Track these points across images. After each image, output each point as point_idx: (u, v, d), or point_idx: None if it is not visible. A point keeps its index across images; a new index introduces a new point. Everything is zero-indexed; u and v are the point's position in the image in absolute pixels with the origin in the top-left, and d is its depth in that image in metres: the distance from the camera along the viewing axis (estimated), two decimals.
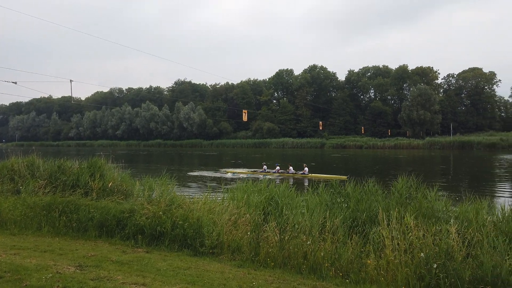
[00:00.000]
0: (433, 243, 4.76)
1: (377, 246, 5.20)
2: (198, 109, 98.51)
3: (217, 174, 23.33)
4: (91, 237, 6.60)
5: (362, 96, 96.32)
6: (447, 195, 6.73)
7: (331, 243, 5.40)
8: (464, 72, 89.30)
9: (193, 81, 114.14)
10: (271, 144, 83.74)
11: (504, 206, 6.00)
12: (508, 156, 44.64)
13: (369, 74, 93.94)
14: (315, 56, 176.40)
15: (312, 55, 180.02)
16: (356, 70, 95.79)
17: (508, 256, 4.36)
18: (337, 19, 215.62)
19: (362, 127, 75.79)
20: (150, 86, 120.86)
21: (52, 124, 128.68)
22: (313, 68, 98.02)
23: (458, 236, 4.89)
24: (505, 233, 4.96)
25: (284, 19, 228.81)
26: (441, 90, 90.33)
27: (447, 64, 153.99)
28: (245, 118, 25.64)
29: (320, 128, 65.22)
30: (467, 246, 4.70)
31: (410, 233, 5.14)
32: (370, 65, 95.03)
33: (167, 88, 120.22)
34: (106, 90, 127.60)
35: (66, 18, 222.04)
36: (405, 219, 5.45)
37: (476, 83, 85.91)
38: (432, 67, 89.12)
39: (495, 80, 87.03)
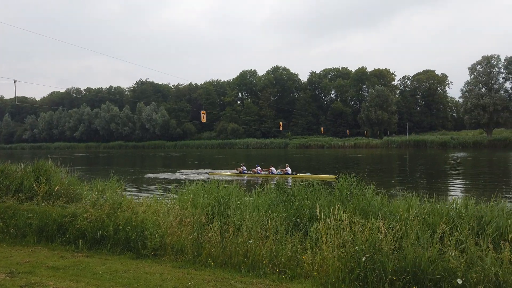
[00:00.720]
0: (366, 238, 5.03)
1: (314, 242, 5.41)
2: (160, 110, 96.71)
3: (176, 176, 23.04)
4: (29, 243, 6.36)
5: (323, 97, 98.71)
6: (389, 191, 7.11)
7: (272, 241, 5.56)
8: (418, 74, 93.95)
9: (155, 82, 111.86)
10: (235, 144, 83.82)
11: (435, 199, 6.43)
12: (458, 154, 47.50)
13: (330, 75, 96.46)
14: (280, 57, 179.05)
15: (276, 57, 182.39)
16: (318, 71, 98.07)
17: (430, 247, 4.69)
18: (301, 22, 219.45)
19: (322, 127, 77.66)
20: (110, 86, 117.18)
21: (4, 126, 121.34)
22: (276, 69, 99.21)
23: (387, 230, 5.20)
24: (430, 225, 5.33)
25: (249, 21, 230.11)
26: (398, 92, 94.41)
27: (405, 66, 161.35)
28: (203, 119, 25.55)
29: (280, 128, 66.23)
30: (396, 240, 5.01)
31: (344, 229, 5.40)
32: (331, 67, 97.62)
33: (128, 88, 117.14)
34: (63, 90, 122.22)
35: (18, 13, 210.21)
36: (340, 215, 5.72)
37: (430, 84, 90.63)
38: (389, 69, 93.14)
39: (447, 82, 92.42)
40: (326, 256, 4.95)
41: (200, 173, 25.31)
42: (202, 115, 25.42)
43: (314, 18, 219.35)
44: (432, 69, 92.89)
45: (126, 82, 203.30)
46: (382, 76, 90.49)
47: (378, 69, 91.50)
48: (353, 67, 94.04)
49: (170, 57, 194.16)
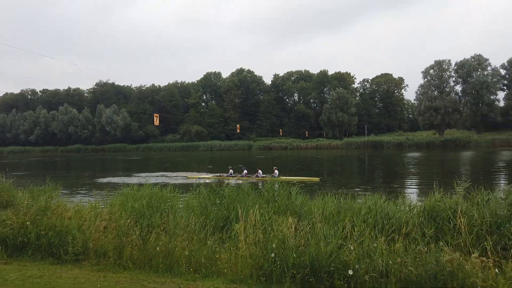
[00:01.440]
0: (275, 236, 5.35)
1: (233, 241, 5.68)
2: (122, 112, 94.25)
3: (128, 180, 22.60)
4: None
5: (287, 100, 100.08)
6: (337, 190, 7.50)
7: (196, 242, 5.77)
8: (377, 77, 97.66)
9: (116, 83, 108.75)
10: (199, 147, 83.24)
11: (349, 196, 6.89)
12: (411, 154, 49.95)
13: (293, 78, 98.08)
14: (248, 60, 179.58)
15: (245, 59, 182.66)
16: (281, 74, 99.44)
17: (332, 242, 5.07)
18: (268, 25, 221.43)
19: (280, 130, 79.13)
20: (69, 88, 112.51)
21: None
22: (240, 71, 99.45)
23: (300, 228, 5.56)
24: (336, 222, 5.75)
25: (218, 22, 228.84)
26: (358, 94, 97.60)
27: (368, 69, 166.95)
28: (156, 122, 25.21)
29: (238, 131, 67.02)
30: (306, 236, 5.36)
31: (262, 228, 5.72)
32: (294, 70, 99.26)
33: (87, 90, 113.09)
34: (17, 91, 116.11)
35: None
36: (263, 215, 6.04)
37: (387, 87, 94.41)
38: (350, 73, 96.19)
39: (404, 85, 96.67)
40: (239, 254, 5.23)
41: (156, 176, 25.06)
42: (155, 118, 25.06)
43: (283, 21, 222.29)
44: (390, 73, 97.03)
45: (88, 84, 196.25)
46: (343, 79, 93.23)
47: (339, 72, 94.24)
48: (319, 70, 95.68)
49: (135, 58, 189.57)
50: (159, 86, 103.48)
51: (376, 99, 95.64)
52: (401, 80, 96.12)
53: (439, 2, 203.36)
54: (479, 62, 67.65)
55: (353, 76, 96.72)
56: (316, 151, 70.62)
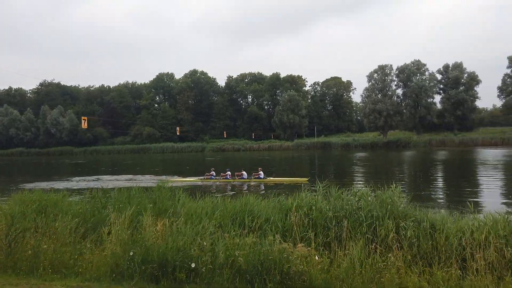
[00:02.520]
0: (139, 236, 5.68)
1: (103, 242, 5.93)
2: (69, 114, 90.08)
3: (55, 185, 21.80)
4: None
5: (241, 101, 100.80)
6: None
7: (67, 244, 5.95)
8: (327, 80, 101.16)
9: (63, 83, 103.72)
10: (150, 149, 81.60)
11: (241, 196, 7.38)
12: (356, 154, 52.41)
13: (246, 80, 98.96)
14: (206, 61, 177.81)
15: (202, 61, 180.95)
16: (235, 76, 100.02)
17: (182, 239, 5.44)
18: (228, 27, 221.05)
19: (225, 132, 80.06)
20: (10, 88, 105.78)
21: None
22: (193, 72, 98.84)
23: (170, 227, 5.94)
24: (205, 220, 6.19)
25: (175, 23, 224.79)
26: (309, 96, 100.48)
27: (322, 72, 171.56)
28: (84, 125, 24.58)
29: (178, 133, 67.42)
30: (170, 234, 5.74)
31: (133, 228, 6.04)
32: (247, 72, 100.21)
33: (30, 90, 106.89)
34: None
35: None
36: (136, 216, 6.35)
37: (337, 90, 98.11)
38: (301, 75, 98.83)
39: (352, 88, 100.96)
40: (100, 253, 5.50)
41: (93, 179, 24.44)
42: (83, 121, 24.39)
43: (241, 23, 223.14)
44: (340, 76, 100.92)
45: (32, 83, 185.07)
46: (295, 82, 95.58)
47: (291, 75, 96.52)
48: (275, 72, 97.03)
49: (85, 57, 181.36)
50: (109, 86, 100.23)
51: (326, 101, 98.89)
52: (349, 83, 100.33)
53: (391, 10, 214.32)
54: (418, 67, 72.33)
55: (304, 79, 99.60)
56: (268, 152, 71.89)
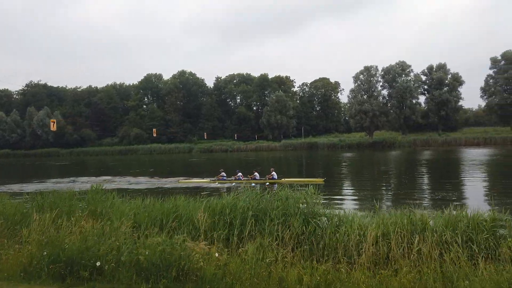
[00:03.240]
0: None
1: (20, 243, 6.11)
2: (55, 115, 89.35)
3: (27, 187, 21.75)
4: None
5: (230, 102, 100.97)
6: None
7: None
8: (315, 81, 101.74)
9: (49, 84, 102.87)
10: (138, 150, 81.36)
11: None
12: (344, 154, 52.95)
13: (235, 81, 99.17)
14: (197, 62, 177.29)
15: (193, 61, 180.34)
16: (224, 77, 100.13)
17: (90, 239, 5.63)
18: (219, 27, 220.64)
19: (205, 133, 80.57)
20: None
21: None
22: (182, 73, 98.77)
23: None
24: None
25: (165, 23, 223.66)
26: (298, 97, 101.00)
27: (313, 73, 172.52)
28: (53, 127, 24.65)
29: (154, 135, 68.13)
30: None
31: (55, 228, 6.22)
32: (235, 73, 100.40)
33: (16, 91, 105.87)
34: None
35: None
36: (60, 217, 6.53)
37: (325, 91, 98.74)
38: (289, 76, 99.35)
39: (340, 89, 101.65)
40: (16, 253, 5.67)
41: (68, 181, 24.40)
42: (51, 123, 24.42)
43: (232, 23, 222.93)
44: (327, 77, 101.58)
45: (18, 85, 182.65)
46: (283, 83, 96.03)
47: (279, 76, 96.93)
48: (263, 73, 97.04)
49: (73, 57, 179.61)
50: (97, 87, 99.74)
51: (314, 102, 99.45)
52: (337, 84, 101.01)
53: (383, 11, 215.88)
54: (403, 68, 73.18)
55: (292, 80, 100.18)
56: (256, 152, 72.13)
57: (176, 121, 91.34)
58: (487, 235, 4.97)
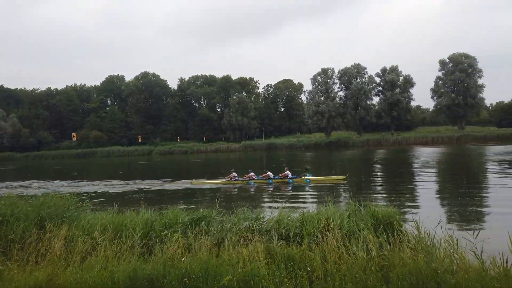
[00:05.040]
0: None
1: None
2: (11, 118, 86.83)
3: None
4: None
5: (195, 104, 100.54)
6: None
7: None
8: (279, 82, 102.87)
9: (6, 86, 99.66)
10: (96, 153, 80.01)
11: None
12: (300, 154, 53.93)
13: (198, 82, 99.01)
14: (168, 63, 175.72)
15: (164, 63, 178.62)
16: (187, 78, 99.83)
17: None
18: (193, 28, 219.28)
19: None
20: None
21: None
22: (145, 75, 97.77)
23: None
24: None
25: (140, 24, 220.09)
26: (262, 99, 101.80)
27: (283, 74, 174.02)
28: None
29: (74, 139, 66.89)
30: None
31: None
32: (199, 74, 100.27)
33: None
34: None
35: None
36: None
37: (289, 92, 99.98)
38: (253, 78, 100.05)
39: (304, 90, 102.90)
40: None
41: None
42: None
43: (207, 25, 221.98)
44: (291, 79, 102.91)
45: None
46: (246, 84, 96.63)
47: (242, 77, 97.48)
48: (225, 75, 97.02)
49: (46, 58, 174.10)
50: (56, 89, 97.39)
51: (277, 103, 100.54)
52: (300, 85, 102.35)
53: (355, 14, 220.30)
54: (358, 70, 75.05)
55: (256, 81, 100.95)
56: (216, 154, 72.33)
57: (138, 123, 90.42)
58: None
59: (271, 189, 19.13)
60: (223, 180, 21.61)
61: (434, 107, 74.71)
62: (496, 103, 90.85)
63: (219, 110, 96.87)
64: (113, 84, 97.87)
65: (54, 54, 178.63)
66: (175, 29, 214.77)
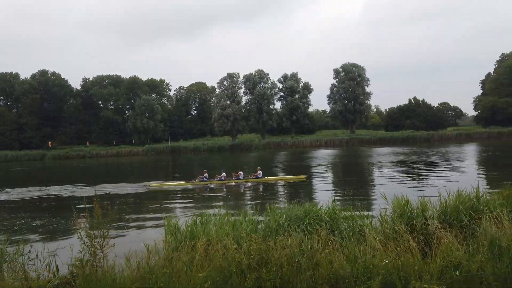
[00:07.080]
0: None
1: None
2: None
3: None
4: None
5: (102, 105, 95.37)
6: None
7: None
8: (192, 85, 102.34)
9: None
10: None
11: None
12: (202, 157, 53.97)
13: (104, 83, 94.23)
14: (96, 61, 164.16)
15: (91, 60, 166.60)
16: (91, 78, 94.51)
17: None
18: (118, 27, 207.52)
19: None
20: None
21: None
22: (43, 73, 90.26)
23: None
24: None
25: (59, 19, 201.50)
26: (174, 101, 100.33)
27: (202, 77, 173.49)
28: None
29: None
30: None
31: None
32: (104, 74, 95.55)
33: None
34: None
35: None
36: None
37: (201, 95, 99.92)
38: (164, 80, 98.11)
39: (215, 94, 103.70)
40: None
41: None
42: None
43: (132, 24, 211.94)
44: (204, 81, 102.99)
45: None
46: (156, 86, 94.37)
47: (152, 79, 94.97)
48: (133, 76, 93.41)
49: None
50: None
51: (189, 106, 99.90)
52: (213, 88, 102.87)
53: (280, 20, 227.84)
54: (261, 76, 77.78)
55: (168, 84, 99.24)
56: (117, 158, 69.41)
57: (33, 125, 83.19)
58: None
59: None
60: (184, 182, 21.70)
61: (329, 112, 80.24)
62: (388, 109, 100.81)
63: (127, 112, 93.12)
64: (4, 83, 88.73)
65: None
66: (96, 26, 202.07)
